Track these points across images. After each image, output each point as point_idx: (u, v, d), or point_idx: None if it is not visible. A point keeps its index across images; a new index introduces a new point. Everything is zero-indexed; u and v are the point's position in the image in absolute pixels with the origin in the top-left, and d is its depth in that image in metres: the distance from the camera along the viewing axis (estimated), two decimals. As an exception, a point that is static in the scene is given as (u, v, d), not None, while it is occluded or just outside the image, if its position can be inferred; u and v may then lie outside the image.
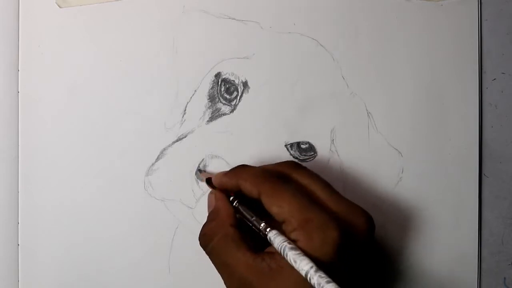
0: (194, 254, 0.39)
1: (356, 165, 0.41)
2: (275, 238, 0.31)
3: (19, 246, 0.41)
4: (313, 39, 0.41)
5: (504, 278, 0.41)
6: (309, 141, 0.40)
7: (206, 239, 0.34)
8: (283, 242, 0.31)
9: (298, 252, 0.30)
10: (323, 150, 0.41)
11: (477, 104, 0.41)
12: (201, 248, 0.34)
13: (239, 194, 0.35)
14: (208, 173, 0.40)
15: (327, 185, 0.34)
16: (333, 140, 0.41)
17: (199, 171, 0.40)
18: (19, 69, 0.41)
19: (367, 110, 0.41)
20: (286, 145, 0.40)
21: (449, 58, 0.41)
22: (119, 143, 0.41)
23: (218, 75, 0.41)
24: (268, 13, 0.41)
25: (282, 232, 0.32)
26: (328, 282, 0.28)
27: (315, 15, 0.41)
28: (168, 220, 0.40)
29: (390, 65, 0.41)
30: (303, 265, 0.29)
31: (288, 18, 0.41)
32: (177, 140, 0.41)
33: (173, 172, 0.40)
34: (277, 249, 0.31)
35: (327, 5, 0.41)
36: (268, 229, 0.32)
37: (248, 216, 0.34)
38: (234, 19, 0.41)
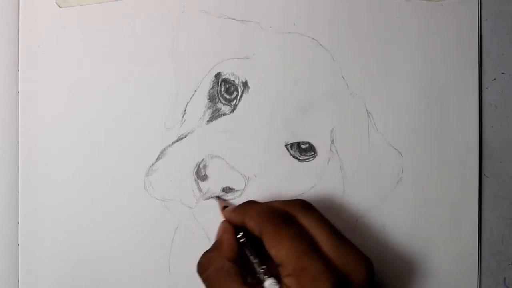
0: (194, 254, 0.39)
1: (356, 165, 0.41)
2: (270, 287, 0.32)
3: (19, 246, 0.41)
4: (313, 39, 0.41)
5: (504, 278, 0.41)
6: (309, 141, 0.40)
7: (202, 267, 0.35)
8: None
9: None
10: (323, 150, 0.41)
11: (477, 104, 0.41)
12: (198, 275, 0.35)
13: (248, 232, 0.35)
14: (226, 202, 0.40)
15: (331, 230, 0.34)
16: (333, 140, 0.41)
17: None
18: (19, 69, 0.41)
19: (367, 110, 0.41)
20: (286, 145, 0.40)
21: (449, 58, 0.41)
22: (119, 143, 0.41)
23: (218, 75, 0.41)
24: (268, 13, 0.41)
25: (279, 274, 0.32)
26: None
27: (315, 15, 0.41)
28: (168, 220, 0.40)
29: (390, 65, 0.41)
30: None
31: (288, 18, 0.41)
32: (177, 140, 0.41)
33: (173, 172, 0.40)
34: None
35: (327, 5, 0.41)
36: (265, 276, 0.33)
37: (251, 258, 0.34)
38: (234, 19, 0.41)
